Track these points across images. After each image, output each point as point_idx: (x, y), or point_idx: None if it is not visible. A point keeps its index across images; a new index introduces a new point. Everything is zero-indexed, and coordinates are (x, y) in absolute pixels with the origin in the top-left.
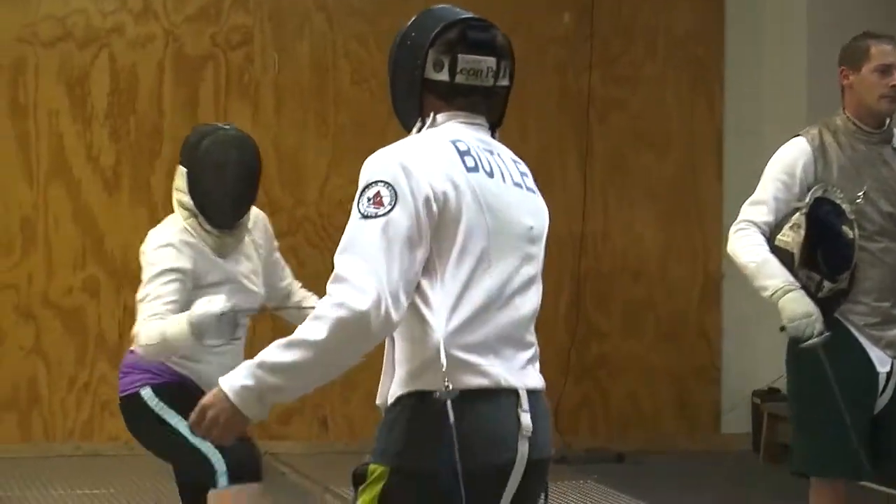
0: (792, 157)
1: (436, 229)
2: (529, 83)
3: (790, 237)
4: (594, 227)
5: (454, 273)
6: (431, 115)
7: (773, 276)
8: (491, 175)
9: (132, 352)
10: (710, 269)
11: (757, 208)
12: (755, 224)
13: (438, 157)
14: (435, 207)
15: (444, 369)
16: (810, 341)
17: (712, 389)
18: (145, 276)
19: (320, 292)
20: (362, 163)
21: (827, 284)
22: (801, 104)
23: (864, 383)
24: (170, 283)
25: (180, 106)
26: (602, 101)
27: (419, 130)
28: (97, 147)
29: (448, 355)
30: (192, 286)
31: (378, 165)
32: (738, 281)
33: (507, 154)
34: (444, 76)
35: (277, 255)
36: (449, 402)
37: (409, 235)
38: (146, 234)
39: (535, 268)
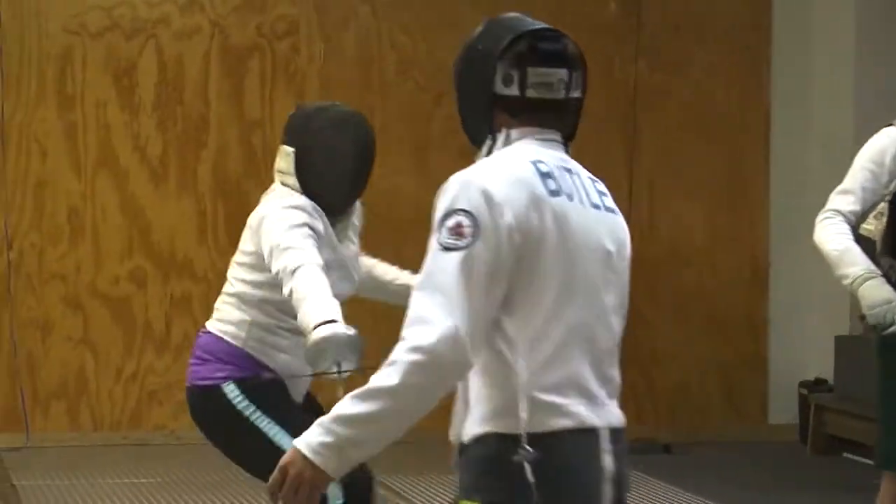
0: (881, 146)
1: (517, 261)
2: None
3: (873, 225)
4: (641, 216)
5: (535, 307)
6: (504, 131)
7: (853, 265)
8: (571, 198)
9: (208, 334)
10: (757, 259)
11: (844, 197)
12: (841, 213)
13: (521, 181)
14: (517, 238)
15: (524, 424)
16: (892, 328)
17: (759, 380)
18: (274, 230)
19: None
20: (408, 154)
21: None
22: (849, 91)
23: None
24: (309, 239)
25: (226, 96)
26: (649, 90)
27: (491, 149)
28: (144, 137)
29: (529, 398)
30: None
31: (459, 192)
32: (785, 270)
33: (584, 173)
34: (514, 91)
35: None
36: (528, 467)
37: (490, 270)
38: (192, 224)
39: (617, 296)
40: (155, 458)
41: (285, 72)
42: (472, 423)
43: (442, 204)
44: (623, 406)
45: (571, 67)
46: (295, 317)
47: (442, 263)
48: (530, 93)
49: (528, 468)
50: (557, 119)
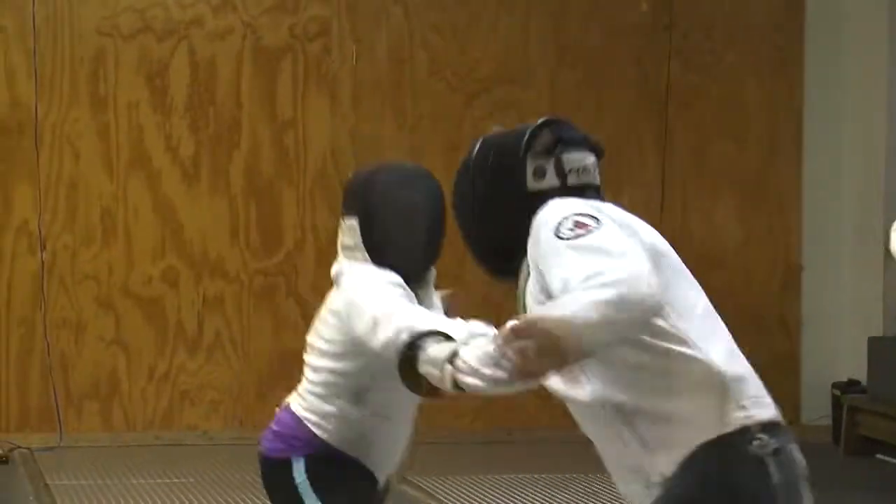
0: None
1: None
2: (606, 73)
3: None
4: (673, 217)
5: (685, 302)
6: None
7: None
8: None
9: (290, 411)
10: (790, 260)
11: None
12: None
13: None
14: (639, 235)
15: (747, 411)
16: None
17: (791, 380)
18: (369, 301)
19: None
20: (440, 154)
21: None
22: (882, 93)
23: None
24: (413, 303)
25: (258, 98)
26: (681, 91)
27: (527, 279)
28: (176, 138)
29: (733, 391)
30: None
31: (561, 207)
32: (817, 271)
33: None
34: (552, 181)
35: None
36: (770, 459)
37: (627, 238)
38: (224, 225)
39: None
40: (187, 458)
41: (317, 73)
42: (678, 447)
43: (546, 223)
44: None
45: (598, 154)
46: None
47: (581, 246)
48: (572, 179)
49: (771, 465)
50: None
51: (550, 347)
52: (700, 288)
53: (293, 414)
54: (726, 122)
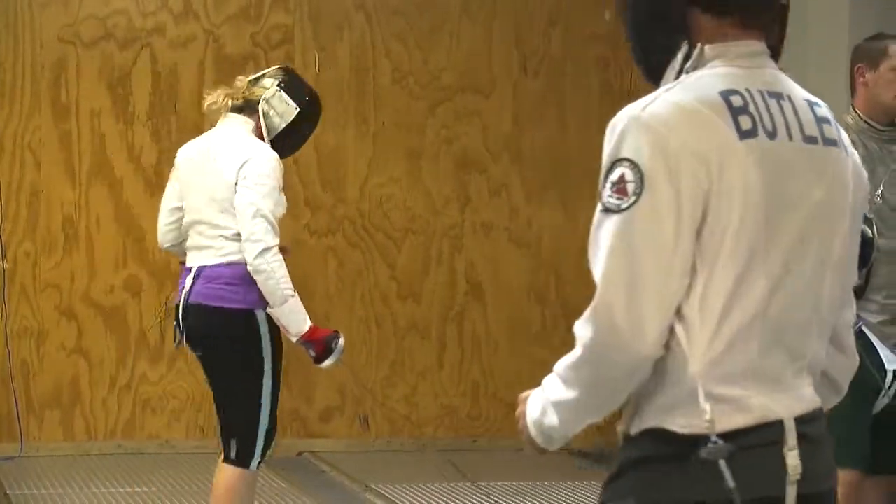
0: None
1: (692, 227)
2: (569, 81)
3: None
4: None
5: (719, 282)
6: (699, 47)
7: None
8: (773, 135)
9: (229, 266)
10: None
11: None
12: None
13: (705, 122)
14: (700, 196)
15: (707, 416)
16: None
17: None
18: (261, 187)
19: (359, 295)
20: (403, 161)
21: None
22: (843, 96)
23: (872, 381)
24: (278, 207)
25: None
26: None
27: (680, 71)
28: (139, 147)
29: (705, 393)
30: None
31: (623, 135)
32: None
33: (799, 95)
34: None
35: None
36: (723, 463)
37: (660, 236)
38: None
39: (826, 252)
40: (149, 466)
41: None
42: (642, 415)
43: (606, 149)
44: (615, 412)
45: None
46: None
47: (602, 230)
48: None
49: (724, 469)
50: (765, 20)
51: (530, 443)
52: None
53: (227, 266)
54: None
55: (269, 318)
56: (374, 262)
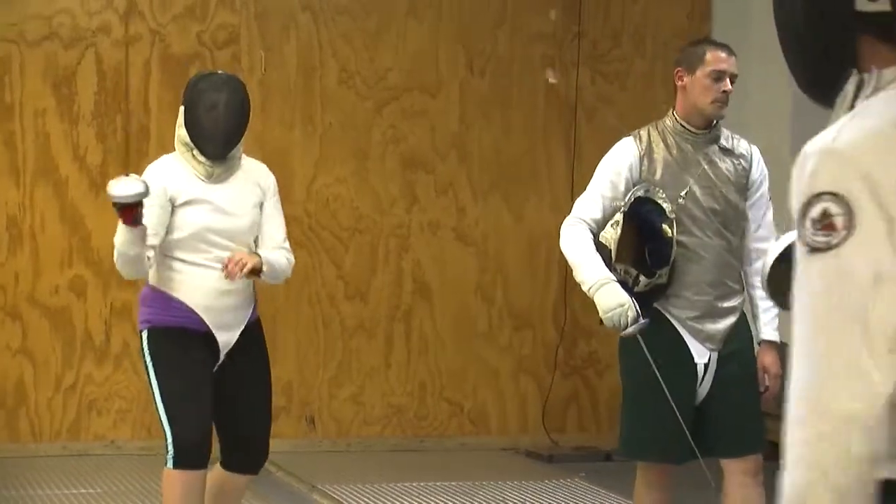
0: (619, 157)
1: None
2: (516, 81)
3: (609, 234)
4: None
5: None
6: (873, 71)
7: (590, 271)
8: None
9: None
10: None
11: (586, 205)
12: (583, 220)
13: None
14: None
15: None
16: (627, 330)
17: None
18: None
19: (306, 295)
20: (349, 161)
21: (643, 279)
22: (786, 102)
23: (685, 373)
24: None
25: (167, 105)
26: (591, 98)
27: (854, 98)
28: (84, 146)
29: None
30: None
31: (816, 169)
32: None
33: None
34: (884, 4)
35: (272, 210)
36: None
37: (880, 266)
38: None
39: None
40: (95, 468)
41: None
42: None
43: (797, 186)
44: (564, 412)
45: None
46: None
47: (812, 277)
48: None
49: None
50: None
51: None
52: None
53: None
54: (636, 128)
55: (155, 336)
56: (322, 262)
